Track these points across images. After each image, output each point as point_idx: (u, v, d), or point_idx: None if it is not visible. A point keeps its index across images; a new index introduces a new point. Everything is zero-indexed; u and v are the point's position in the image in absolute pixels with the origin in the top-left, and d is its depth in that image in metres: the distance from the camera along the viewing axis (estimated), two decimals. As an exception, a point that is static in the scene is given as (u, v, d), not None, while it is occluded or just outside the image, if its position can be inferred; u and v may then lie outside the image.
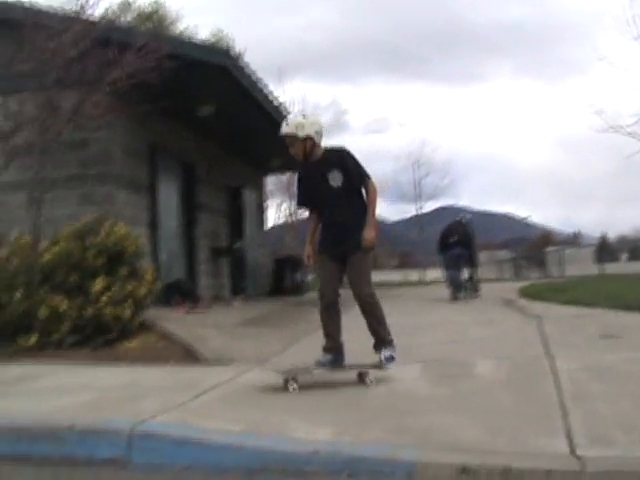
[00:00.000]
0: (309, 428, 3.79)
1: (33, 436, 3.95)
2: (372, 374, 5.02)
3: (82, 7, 8.25)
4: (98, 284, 7.42)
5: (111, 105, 8.42)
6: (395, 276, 32.34)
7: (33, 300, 7.39)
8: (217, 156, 13.85)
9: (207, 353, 6.72)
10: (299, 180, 5.52)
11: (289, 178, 31.27)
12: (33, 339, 7.20)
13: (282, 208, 36.37)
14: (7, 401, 4.78)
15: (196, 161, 12.91)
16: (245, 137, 13.21)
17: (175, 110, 10.41)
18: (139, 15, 22.47)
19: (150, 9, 23.28)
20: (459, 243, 13.89)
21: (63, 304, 7.32)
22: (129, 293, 7.55)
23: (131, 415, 4.12)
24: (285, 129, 5.06)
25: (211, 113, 10.85)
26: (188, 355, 6.81)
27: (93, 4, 8.38)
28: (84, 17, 8.23)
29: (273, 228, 32.55)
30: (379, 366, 5.04)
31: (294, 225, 36.39)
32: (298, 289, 17.52)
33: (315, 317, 5.37)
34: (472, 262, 14.44)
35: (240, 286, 14.57)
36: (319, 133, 5.12)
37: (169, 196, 11.83)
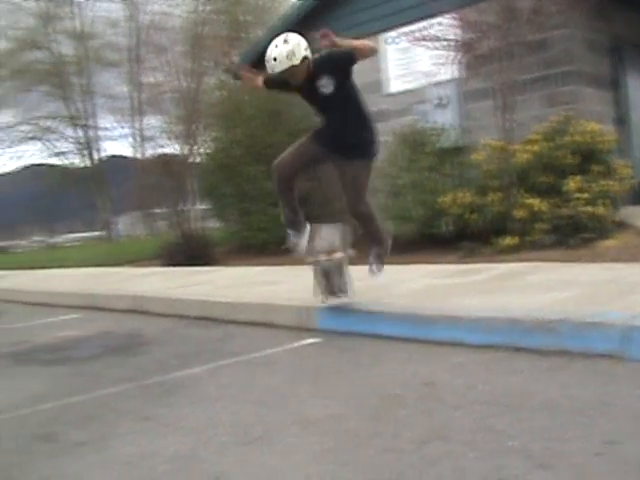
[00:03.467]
0: None
1: (527, 328, 4.15)
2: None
3: None
4: (572, 183, 7.38)
5: (570, 1, 8.13)
6: None
7: (508, 202, 7.68)
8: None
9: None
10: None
11: None
12: (510, 240, 7.52)
13: None
14: (499, 296, 5.09)
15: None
16: None
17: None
18: None
19: None
20: None
21: (538, 204, 7.46)
22: (603, 191, 7.37)
23: (623, 309, 4.06)
24: (279, 66, 4.51)
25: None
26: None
27: None
28: None
29: None
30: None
31: None
32: None
33: None
34: None
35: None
36: (308, 47, 4.62)
37: (636, 90, 11.06)
